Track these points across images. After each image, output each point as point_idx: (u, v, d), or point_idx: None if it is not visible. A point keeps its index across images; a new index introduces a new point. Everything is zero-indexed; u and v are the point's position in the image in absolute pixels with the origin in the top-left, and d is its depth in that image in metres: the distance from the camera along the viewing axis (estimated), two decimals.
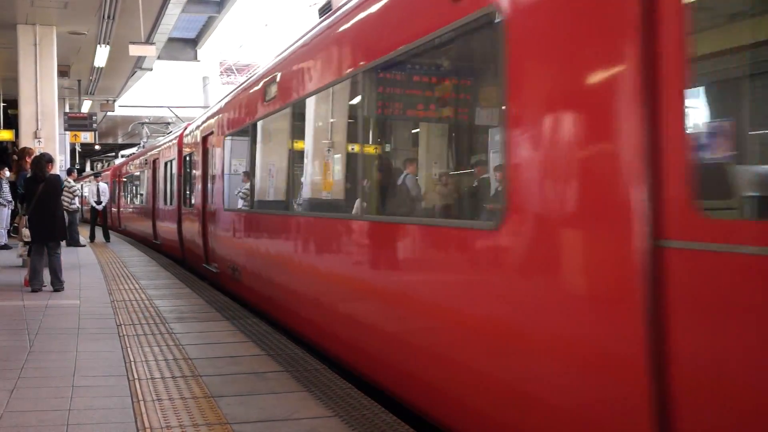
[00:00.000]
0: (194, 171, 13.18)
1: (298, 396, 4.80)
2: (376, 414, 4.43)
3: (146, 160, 20.46)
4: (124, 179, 26.64)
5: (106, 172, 33.42)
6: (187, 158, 14.09)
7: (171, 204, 15.83)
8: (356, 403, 4.66)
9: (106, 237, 20.65)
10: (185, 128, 14.98)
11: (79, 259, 14.14)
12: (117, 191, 28.03)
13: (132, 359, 5.77)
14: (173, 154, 15.56)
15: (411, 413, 4.75)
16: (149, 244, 19.54)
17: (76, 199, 17.70)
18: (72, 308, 8.30)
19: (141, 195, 22.10)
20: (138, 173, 22.88)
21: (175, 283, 10.93)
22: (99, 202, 20.55)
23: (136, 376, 5.23)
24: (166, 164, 16.77)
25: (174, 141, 15.91)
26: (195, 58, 32.71)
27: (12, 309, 8.24)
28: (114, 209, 28.53)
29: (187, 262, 14.05)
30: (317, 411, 4.48)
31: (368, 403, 4.66)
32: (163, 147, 18.02)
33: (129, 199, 25.72)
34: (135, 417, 4.32)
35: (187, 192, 14.00)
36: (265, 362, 5.74)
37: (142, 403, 4.58)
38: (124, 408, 4.50)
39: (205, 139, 12.02)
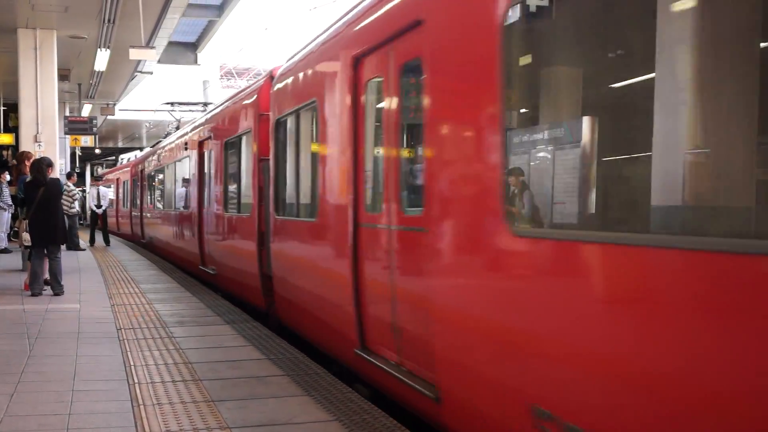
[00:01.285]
0: (327, 145, 6.12)
1: (299, 400, 4.80)
2: (376, 418, 4.43)
3: (186, 143, 13.78)
4: (152, 173, 19.23)
5: (109, 175, 33.38)
6: (285, 126, 7.65)
7: (240, 210, 9.96)
8: (356, 407, 4.66)
9: (106, 241, 20.71)
10: (269, 75, 8.67)
11: (80, 263, 14.15)
12: (140, 191, 21.33)
13: (132, 363, 5.77)
14: (244, 124, 9.62)
15: (411, 417, 4.75)
16: (193, 272, 12.71)
17: (76, 203, 17.72)
18: (72, 312, 8.30)
19: (178, 195, 14.65)
20: (174, 164, 15.55)
21: (176, 287, 10.92)
22: (99, 206, 20.69)
23: (136, 380, 5.23)
24: (226, 145, 10.58)
25: (247, 102, 9.60)
26: (195, 62, 32.66)
27: (12, 313, 8.23)
28: (135, 214, 22.28)
29: (282, 321, 7.85)
30: (318, 415, 4.48)
31: (368, 407, 4.65)
32: (219, 119, 11.34)
33: (159, 201, 18.34)
34: (135, 421, 4.32)
35: (293, 189, 7.50)
36: (265, 366, 5.74)
37: (142, 407, 4.58)
38: (124, 412, 4.51)
39: (384, 60, 4.94)
